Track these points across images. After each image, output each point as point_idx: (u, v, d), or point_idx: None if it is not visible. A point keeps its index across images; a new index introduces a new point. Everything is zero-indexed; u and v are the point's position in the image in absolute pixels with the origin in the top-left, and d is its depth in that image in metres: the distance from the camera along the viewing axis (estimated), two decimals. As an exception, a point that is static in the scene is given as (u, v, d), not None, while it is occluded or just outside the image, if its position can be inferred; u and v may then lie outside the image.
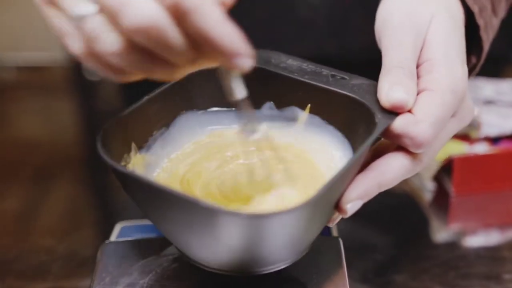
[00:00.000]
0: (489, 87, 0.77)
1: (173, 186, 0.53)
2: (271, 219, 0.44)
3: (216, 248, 0.48)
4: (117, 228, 0.61)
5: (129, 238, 0.59)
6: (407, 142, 0.50)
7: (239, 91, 0.45)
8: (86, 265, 0.63)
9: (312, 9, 0.83)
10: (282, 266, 0.51)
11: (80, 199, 0.80)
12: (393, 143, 0.51)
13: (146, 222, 0.61)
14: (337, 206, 0.49)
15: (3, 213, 0.76)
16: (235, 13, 0.47)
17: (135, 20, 0.40)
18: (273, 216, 0.44)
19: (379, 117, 0.50)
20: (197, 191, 0.53)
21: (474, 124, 0.72)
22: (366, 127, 0.51)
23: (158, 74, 0.44)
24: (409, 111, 0.50)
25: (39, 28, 1.25)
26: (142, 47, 0.41)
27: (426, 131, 0.49)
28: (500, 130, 0.73)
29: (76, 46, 0.44)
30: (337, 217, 0.52)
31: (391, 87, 0.51)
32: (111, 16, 0.41)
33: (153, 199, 0.48)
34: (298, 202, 0.44)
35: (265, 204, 0.51)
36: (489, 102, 0.75)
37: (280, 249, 0.48)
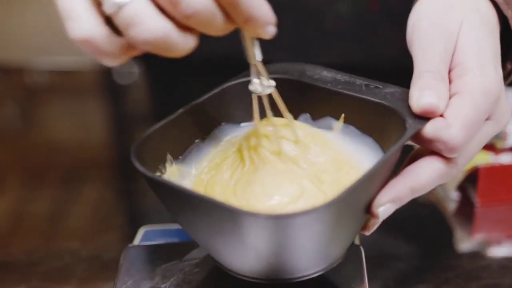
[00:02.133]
0: (515, 97, 0.76)
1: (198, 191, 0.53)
2: (292, 219, 0.44)
3: (242, 252, 0.48)
4: (141, 232, 0.62)
5: (152, 242, 0.60)
6: (439, 146, 0.50)
7: (258, 54, 0.50)
8: (110, 268, 0.63)
9: (339, 17, 0.83)
10: (314, 274, 0.50)
11: (107, 203, 0.81)
12: (427, 148, 0.51)
13: (170, 226, 0.61)
14: (369, 210, 0.49)
15: (31, 216, 0.77)
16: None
17: (193, 7, 0.43)
18: (294, 217, 0.44)
19: (409, 122, 0.50)
20: (218, 194, 0.53)
21: (500, 134, 0.71)
22: (398, 134, 0.50)
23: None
24: (441, 115, 0.50)
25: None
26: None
27: (458, 135, 0.49)
28: (527, 140, 0.72)
29: (79, 30, 0.45)
30: (374, 224, 0.51)
31: (421, 92, 0.51)
32: (166, 3, 0.43)
33: (178, 202, 0.48)
34: (320, 203, 0.44)
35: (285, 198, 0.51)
36: (515, 112, 0.74)
37: (306, 253, 0.48)
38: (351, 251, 0.57)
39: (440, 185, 0.73)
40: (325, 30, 0.84)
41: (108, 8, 0.44)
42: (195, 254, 0.57)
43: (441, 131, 0.49)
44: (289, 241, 0.46)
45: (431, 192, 0.73)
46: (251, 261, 0.49)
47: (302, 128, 0.56)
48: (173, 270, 0.56)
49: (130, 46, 0.46)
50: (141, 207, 0.79)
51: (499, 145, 0.72)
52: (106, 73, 1.12)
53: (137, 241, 0.61)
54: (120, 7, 0.44)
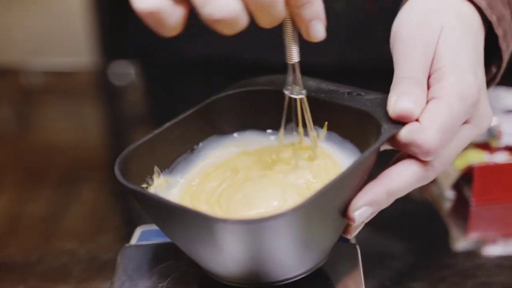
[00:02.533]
0: (509, 96, 0.76)
1: (184, 201, 0.54)
2: (260, 224, 0.45)
3: (221, 258, 0.49)
4: (138, 232, 0.62)
5: (149, 242, 0.60)
6: (414, 150, 0.50)
7: (296, 55, 0.51)
8: (107, 268, 0.64)
9: (335, 17, 0.83)
10: (297, 277, 0.51)
11: (104, 203, 0.81)
12: (404, 152, 0.52)
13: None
14: (345, 214, 0.50)
15: (29, 216, 0.77)
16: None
17: None
18: (262, 222, 0.45)
19: (385, 127, 0.51)
20: (202, 203, 0.54)
21: (494, 133, 0.72)
22: (375, 139, 0.51)
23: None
24: (417, 120, 0.51)
25: (66, 34, 1.27)
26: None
27: (433, 139, 0.50)
28: (521, 139, 0.72)
29: (145, 2, 0.45)
30: (354, 228, 0.52)
31: (398, 98, 0.51)
32: None
33: (154, 211, 0.50)
34: (286, 208, 0.45)
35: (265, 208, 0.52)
36: (509, 111, 0.75)
37: (281, 256, 0.49)
38: (347, 250, 0.57)
39: (436, 184, 0.73)
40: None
41: None
42: (192, 254, 0.57)
43: (416, 135, 0.50)
44: (261, 246, 0.46)
45: (427, 190, 0.74)
46: (231, 267, 0.50)
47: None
48: (170, 269, 0.56)
49: (186, 18, 0.46)
50: (137, 207, 0.79)
51: (493, 144, 0.72)
52: (102, 74, 1.13)
53: (134, 241, 0.61)
54: None
